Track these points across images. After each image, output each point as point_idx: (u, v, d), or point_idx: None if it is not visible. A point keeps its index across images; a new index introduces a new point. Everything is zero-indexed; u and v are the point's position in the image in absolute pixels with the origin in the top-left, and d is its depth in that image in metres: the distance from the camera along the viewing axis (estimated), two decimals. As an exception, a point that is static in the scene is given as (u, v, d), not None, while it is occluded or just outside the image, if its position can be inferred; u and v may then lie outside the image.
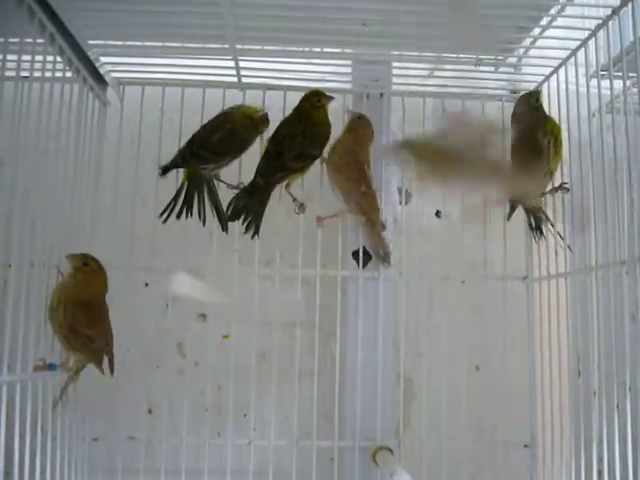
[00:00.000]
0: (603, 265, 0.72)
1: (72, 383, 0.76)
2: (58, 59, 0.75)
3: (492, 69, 0.89)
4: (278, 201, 0.86)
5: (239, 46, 0.82)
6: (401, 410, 0.87)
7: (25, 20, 0.66)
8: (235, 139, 0.84)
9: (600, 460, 0.69)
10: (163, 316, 0.92)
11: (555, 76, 0.87)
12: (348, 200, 0.85)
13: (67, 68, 0.77)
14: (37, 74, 0.69)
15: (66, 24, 0.73)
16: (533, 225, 0.85)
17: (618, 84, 0.72)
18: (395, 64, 0.91)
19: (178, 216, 0.83)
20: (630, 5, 0.67)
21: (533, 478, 0.88)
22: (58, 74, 0.75)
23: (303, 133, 0.85)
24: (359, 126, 0.87)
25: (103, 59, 0.85)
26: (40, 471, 0.70)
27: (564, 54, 0.82)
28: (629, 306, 0.66)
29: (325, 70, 0.92)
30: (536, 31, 0.78)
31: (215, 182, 0.86)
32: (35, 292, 0.70)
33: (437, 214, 1.00)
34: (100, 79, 0.88)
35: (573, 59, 0.81)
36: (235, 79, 0.91)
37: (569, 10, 0.73)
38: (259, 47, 0.84)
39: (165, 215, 0.83)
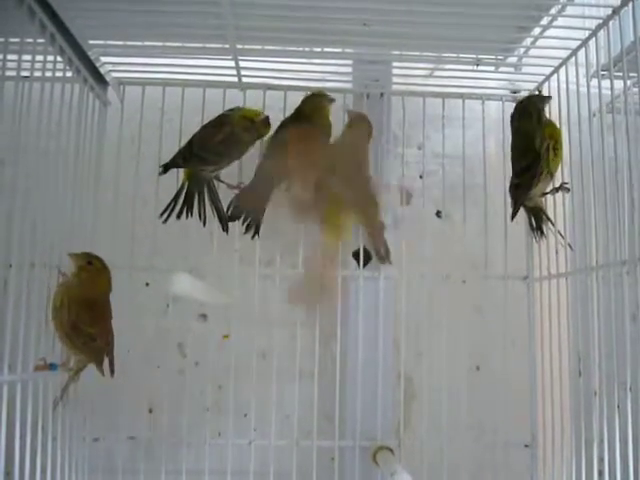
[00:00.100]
0: (604, 265, 0.72)
1: (73, 383, 0.76)
2: (58, 59, 0.75)
3: (492, 69, 0.89)
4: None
5: (239, 46, 0.82)
6: (401, 410, 0.87)
7: (25, 20, 0.66)
8: (235, 142, 0.84)
9: (601, 460, 0.69)
10: (164, 316, 0.92)
11: (555, 76, 0.87)
12: (348, 200, 0.85)
13: (67, 68, 0.77)
14: (37, 74, 0.69)
15: (66, 24, 0.73)
16: (534, 225, 0.86)
17: (619, 84, 0.71)
18: (395, 64, 0.92)
19: (178, 216, 0.83)
20: (630, 5, 0.67)
21: (534, 478, 0.88)
22: (58, 74, 0.75)
23: (302, 135, 0.84)
24: (358, 125, 0.87)
25: (103, 59, 0.85)
26: (41, 471, 0.70)
27: (564, 54, 0.82)
28: (630, 306, 0.65)
29: (325, 70, 0.92)
30: (536, 31, 0.78)
31: (215, 182, 0.86)
32: (36, 292, 0.70)
33: (438, 214, 1.00)
34: (100, 79, 0.88)
35: (573, 59, 0.81)
36: (235, 79, 0.91)
37: (569, 10, 0.73)
38: (259, 47, 0.84)
39: (165, 215, 0.83)
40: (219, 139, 0.83)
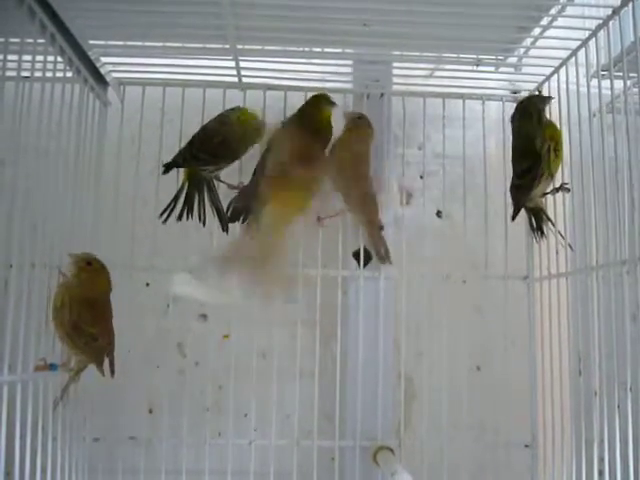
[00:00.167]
0: (604, 265, 0.72)
1: (73, 383, 0.76)
2: (59, 59, 0.75)
3: (492, 69, 0.89)
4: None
5: (240, 46, 0.82)
6: (402, 410, 0.87)
7: (26, 20, 0.66)
8: (233, 143, 0.84)
9: (601, 460, 0.69)
10: (164, 316, 0.92)
11: (556, 76, 0.87)
12: (348, 200, 0.85)
13: (68, 68, 0.77)
14: (38, 74, 0.69)
15: (67, 24, 0.73)
16: (534, 225, 0.86)
17: (619, 84, 0.71)
18: (396, 64, 0.92)
19: (179, 218, 0.83)
20: (630, 5, 0.67)
21: (534, 478, 0.88)
22: (59, 74, 0.75)
23: (302, 136, 0.84)
24: (359, 126, 0.87)
25: (104, 59, 0.85)
26: (41, 471, 0.70)
27: (564, 54, 0.82)
28: (630, 306, 0.65)
29: (326, 70, 0.92)
30: (536, 31, 0.78)
31: (215, 182, 0.86)
32: (36, 292, 0.70)
33: (438, 214, 1.00)
34: (101, 79, 0.88)
35: (574, 59, 0.81)
36: (236, 79, 0.91)
37: (569, 10, 0.73)
38: (260, 47, 0.84)
39: (165, 215, 0.83)
40: (218, 140, 0.83)
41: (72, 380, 0.75)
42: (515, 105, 0.88)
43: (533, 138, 0.81)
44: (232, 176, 0.87)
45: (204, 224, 0.84)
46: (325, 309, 0.87)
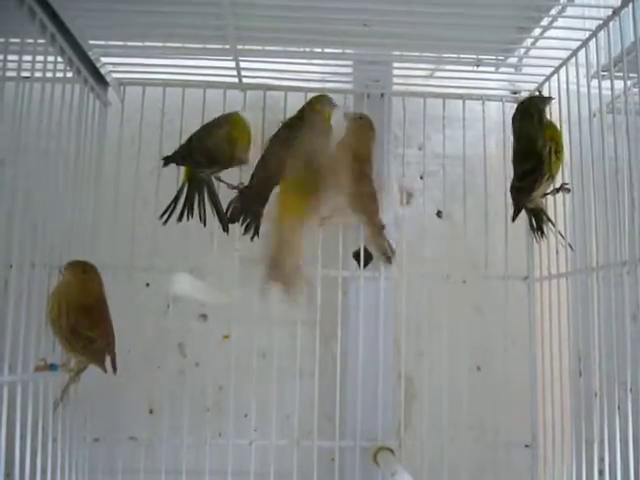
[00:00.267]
0: (604, 265, 0.72)
1: (73, 384, 0.76)
2: (59, 59, 0.75)
3: (493, 69, 0.89)
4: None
5: (240, 46, 0.82)
6: (402, 410, 0.87)
7: (26, 20, 0.66)
8: (226, 150, 0.84)
9: (601, 460, 0.69)
10: (164, 316, 0.92)
11: (556, 76, 0.87)
12: (352, 201, 0.85)
13: (68, 68, 0.77)
14: (38, 74, 0.69)
15: (67, 24, 0.73)
16: (534, 226, 0.85)
17: (619, 84, 0.72)
18: (396, 64, 0.92)
19: (179, 219, 0.83)
20: (630, 5, 0.67)
21: (534, 478, 0.88)
22: (59, 74, 0.75)
23: (301, 136, 0.84)
24: (361, 126, 0.87)
25: (104, 59, 0.85)
26: (41, 472, 0.70)
27: (565, 54, 0.82)
28: (630, 306, 0.65)
29: (326, 70, 0.92)
30: (537, 31, 0.78)
31: (215, 182, 0.86)
32: (36, 292, 0.70)
33: (438, 214, 1.00)
34: (101, 79, 0.88)
35: (574, 59, 0.81)
36: (236, 79, 0.91)
37: (570, 10, 0.73)
38: (260, 47, 0.84)
39: (165, 217, 0.83)
40: (212, 145, 0.83)
41: (72, 380, 0.75)
42: (516, 106, 0.88)
43: (534, 139, 0.81)
44: (232, 176, 0.87)
45: (205, 224, 0.84)
46: (325, 309, 0.87)
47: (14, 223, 0.64)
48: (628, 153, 0.67)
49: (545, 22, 0.76)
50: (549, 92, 0.89)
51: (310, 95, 0.89)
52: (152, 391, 0.90)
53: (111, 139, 0.90)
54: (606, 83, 0.72)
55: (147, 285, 0.94)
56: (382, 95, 0.94)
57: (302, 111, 0.87)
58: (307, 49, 0.85)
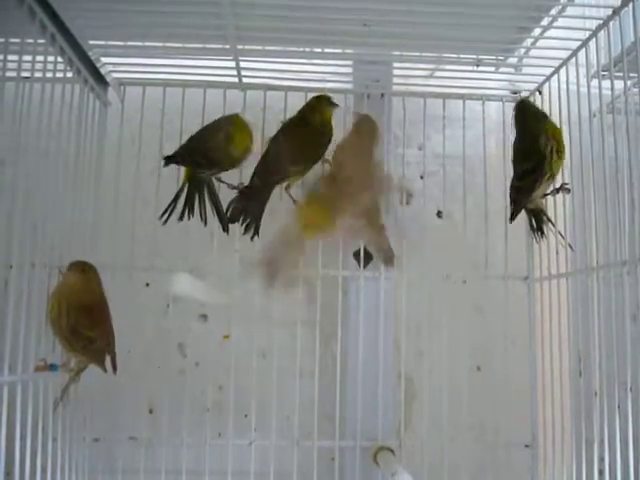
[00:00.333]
0: (604, 265, 0.72)
1: (73, 384, 0.76)
2: (59, 59, 0.75)
3: (493, 69, 0.89)
4: (279, 201, 0.86)
5: (240, 46, 0.82)
6: (402, 410, 0.87)
7: (26, 20, 0.66)
8: (226, 152, 0.83)
9: (601, 460, 0.69)
10: (164, 316, 0.92)
11: (556, 76, 0.87)
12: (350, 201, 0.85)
13: (68, 68, 0.77)
14: (38, 74, 0.69)
15: (67, 24, 0.73)
16: (534, 226, 0.85)
17: (619, 84, 0.71)
18: (396, 64, 0.92)
19: (180, 218, 0.83)
20: (631, 5, 0.67)
21: (534, 478, 0.88)
22: (59, 74, 0.75)
23: (302, 137, 0.84)
24: (365, 127, 0.87)
25: (104, 59, 0.85)
26: (41, 471, 0.70)
27: (565, 54, 0.82)
28: (630, 306, 0.65)
29: (326, 70, 0.92)
30: (537, 31, 0.78)
31: (215, 182, 0.86)
32: (36, 292, 0.70)
33: (438, 214, 1.00)
34: (101, 79, 0.88)
35: (574, 59, 0.81)
36: (236, 79, 0.91)
37: (570, 10, 0.73)
38: (260, 47, 0.84)
39: (165, 217, 0.83)
40: (209, 146, 0.83)
41: (72, 380, 0.75)
42: (515, 105, 0.88)
43: (537, 137, 0.80)
44: (232, 176, 0.87)
45: (205, 223, 0.84)
46: (325, 309, 0.87)
47: (14, 223, 0.64)
48: (628, 153, 0.67)
49: (545, 22, 0.75)
50: (549, 92, 0.89)
51: (310, 95, 0.89)
52: (152, 391, 0.90)
53: (111, 139, 0.90)
54: (606, 83, 0.72)
55: (147, 285, 0.94)
56: (382, 95, 0.94)
57: (303, 112, 0.87)
58: (307, 49, 0.85)
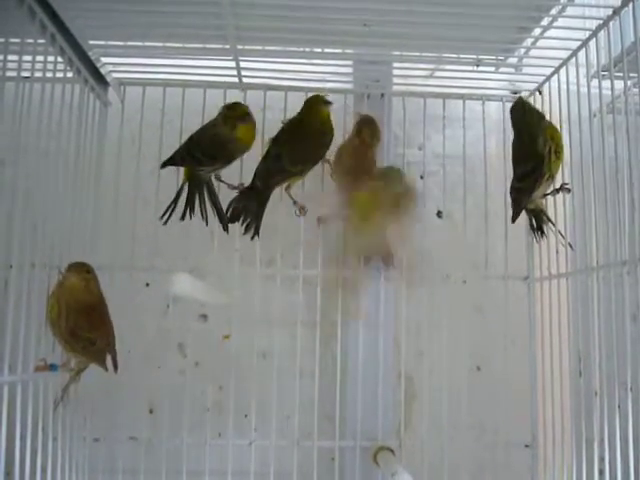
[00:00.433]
0: (604, 265, 0.72)
1: (73, 383, 0.76)
2: (59, 59, 0.75)
3: (493, 69, 0.89)
4: (279, 201, 0.86)
5: (240, 46, 0.82)
6: (402, 410, 0.88)
7: (26, 20, 0.66)
8: (222, 142, 0.83)
9: (601, 460, 0.69)
10: (164, 316, 0.92)
11: (556, 76, 0.87)
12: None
13: (68, 68, 0.77)
14: (38, 74, 0.69)
15: (67, 24, 0.73)
16: (534, 226, 0.85)
17: (619, 84, 0.71)
18: (396, 64, 0.92)
19: (182, 218, 0.83)
20: (631, 5, 0.67)
21: (534, 478, 0.88)
22: (59, 74, 0.75)
23: (302, 138, 0.84)
24: (366, 128, 0.86)
25: (104, 59, 0.85)
26: (41, 471, 0.70)
27: (565, 54, 0.82)
28: (630, 306, 0.65)
29: (326, 70, 0.92)
30: (537, 31, 0.78)
31: (215, 182, 0.86)
32: (36, 292, 0.70)
33: (438, 214, 1.00)
34: (101, 79, 0.88)
35: (574, 59, 0.81)
36: (236, 79, 0.91)
37: (570, 10, 0.73)
38: (260, 47, 0.84)
39: (166, 217, 0.83)
40: (207, 140, 0.83)
41: (72, 380, 0.75)
42: (513, 106, 0.88)
43: (535, 138, 0.80)
44: (233, 177, 0.87)
45: (207, 223, 0.84)
46: (325, 309, 0.87)
47: (14, 223, 0.64)
48: (628, 153, 0.67)
49: (545, 22, 0.75)
50: (549, 92, 0.89)
51: (310, 95, 0.88)
52: (152, 391, 0.90)
53: (111, 139, 0.90)
54: (606, 83, 0.72)
55: (147, 285, 0.94)
56: (382, 95, 0.94)
57: (301, 113, 0.87)
58: (307, 49, 0.85)
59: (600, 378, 0.70)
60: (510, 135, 0.87)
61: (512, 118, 0.86)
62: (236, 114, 0.83)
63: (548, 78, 0.89)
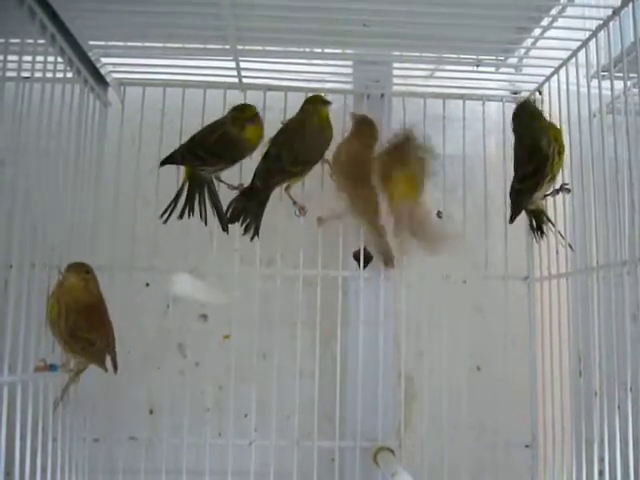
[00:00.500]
0: (604, 265, 0.72)
1: (73, 384, 0.76)
2: (59, 60, 0.75)
3: (493, 70, 0.89)
4: (279, 201, 0.86)
5: (240, 47, 0.82)
6: (402, 410, 0.87)
7: (26, 21, 0.66)
8: (229, 142, 0.83)
9: (601, 460, 0.69)
10: (164, 316, 0.92)
11: (556, 77, 0.87)
12: (354, 202, 0.85)
13: (68, 69, 0.77)
14: (38, 75, 0.69)
15: (67, 24, 0.73)
16: (534, 226, 0.85)
17: (619, 84, 0.72)
18: (396, 65, 0.92)
19: (180, 216, 0.83)
20: (631, 5, 0.67)
21: (534, 478, 0.88)
22: (59, 75, 0.75)
23: (302, 138, 0.84)
24: (364, 128, 0.87)
25: (104, 60, 0.85)
26: (41, 471, 0.70)
27: (565, 55, 0.82)
28: (630, 306, 0.66)
29: (326, 71, 0.92)
30: (537, 32, 0.78)
31: (216, 183, 0.86)
32: (36, 293, 0.70)
33: (438, 214, 1.00)
34: (101, 80, 0.88)
35: (574, 60, 0.81)
36: (236, 80, 0.91)
37: (570, 11, 0.73)
38: (260, 48, 0.84)
39: (166, 216, 0.83)
40: (213, 139, 0.83)
41: (72, 381, 0.75)
42: (515, 106, 0.88)
43: (539, 139, 0.80)
44: (233, 177, 0.87)
45: (206, 222, 0.84)
46: (325, 309, 0.87)
47: (14, 223, 0.64)
48: (628, 153, 0.67)
49: (545, 22, 0.75)
50: (549, 92, 0.89)
51: (310, 95, 0.88)
52: (152, 391, 0.91)
53: (111, 139, 0.90)
54: (606, 83, 0.72)
55: (147, 285, 0.94)
56: (382, 95, 0.94)
57: (300, 113, 0.87)
58: (307, 49, 0.85)
59: (600, 378, 0.70)
60: (510, 135, 0.87)
61: (514, 120, 0.85)
62: (245, 116, 0.83)
63: (548, 78, 0.89)
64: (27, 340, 0.66)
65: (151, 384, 0.89)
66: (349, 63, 0.91)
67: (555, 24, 0.75)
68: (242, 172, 0.87)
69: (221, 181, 0.87)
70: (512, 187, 0.84)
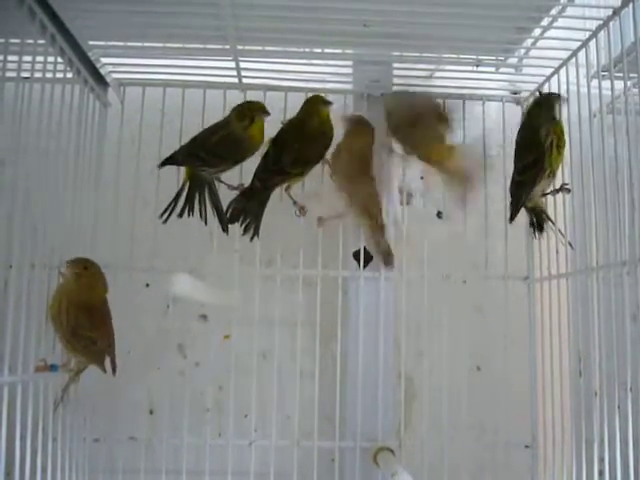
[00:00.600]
0: (604, 265, 0.72)
1: (73, 384, 0.76)
2: (59, 60, 0.75)
3: (493, 70, 0.89)
4: (279, 201, 0.86)
5: (240, 47, 0.82)
6: (402, 410, 0.87)
7: (26, 21, 0.66)
8: (232, 143, 0.83)
9: (601, 460, 0.69)
10: (164, 317, 0.92)
11: (556, 77, 0.87)
12: (354, 202, 0.85)
13: (68, 69, 0.77)
14: (38, 75, 0.70)
15: (67, 25, 0.73)
16: (534, 223, 0.85)
17: (619, 84, 0.72)
18: (396, 65, 0.91)
19: (180, 215, 0.82)
20: (631, 5, 0.67)
21: (534, 478, 0.88)
22: (59, 75, 0.75)
23: (302, 138, 0.84)
24: (361, 127, 0.87)
25: (104, 60, 0.85)
26: (41, 471, 0.70)
27: (565, 55, 0.82)
28: (630, 306, 0.66)
29: (326, 71, 0.92)
30: (537, 32, 0.78)
31: (216, 183, 0.86)
32: (36, 293, 0.70)
33: (438, 214, 1.00)
34: (101, 80, 0.88)
35: (574, 60, 0.81)
36: (236, 80, 0.91)
37: (570, 11, 0.73)
38: (260, 48, 0.84)
39: (165, 216, 0.83)
40: (215, 140, 0.83)
41: (72, 381, 0.75)
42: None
43: (538, 128, 0.80)
44: (233, 177, 0.87)
45: (206, 222, 0.84)
46: (325, 309, 0.87)
47: (14, 223, 0.64)
48: (628, 153, 0.67)
49: (545, 22, 0.75)
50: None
51: (310, 95, 0.88)
52: (152, 391, 0.91)
53: (111, 139, 0.90)
54: (606, 83, 0.72)
55: (147, 285, 0.94)
56: (382, 95, 0.94)
57: (301, 113, 0.87)
58: (307, 49, 0.85)
59: (600, 378, 0.70)
60: (510, 135, 0.87)
61: (523, 115, 0.86)
62: (255, 107, 0.84)
63: (548, 78, 0.89)
64: (27, 340, 0.67)
65: (151, 384, 0.89)
66: (349, 63, 0.91)
67: (555, 24, 0.75)
68: (242, 172, 0.87)
69: (221, 181, 0.87)
70: (512, 180, 0.84)
